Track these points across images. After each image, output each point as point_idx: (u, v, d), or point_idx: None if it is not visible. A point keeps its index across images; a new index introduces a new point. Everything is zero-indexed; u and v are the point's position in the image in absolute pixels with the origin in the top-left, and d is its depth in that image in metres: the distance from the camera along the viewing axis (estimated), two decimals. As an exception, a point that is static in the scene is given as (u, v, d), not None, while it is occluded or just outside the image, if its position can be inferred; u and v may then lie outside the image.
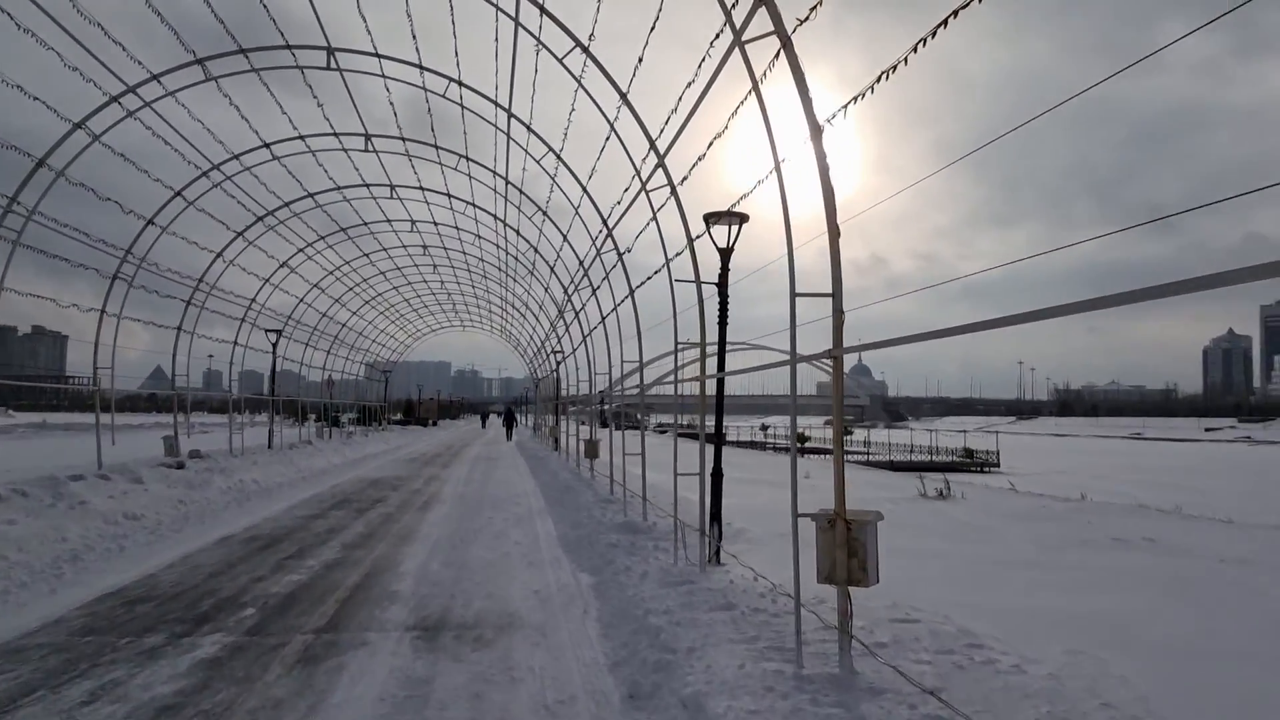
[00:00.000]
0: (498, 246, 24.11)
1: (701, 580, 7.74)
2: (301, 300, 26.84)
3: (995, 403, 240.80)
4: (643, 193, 10.72)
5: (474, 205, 20.49)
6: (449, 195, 20.35)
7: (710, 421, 10.09)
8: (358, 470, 23.91)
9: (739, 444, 75.08)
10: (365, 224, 23.72)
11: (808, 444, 76.65)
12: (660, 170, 9.67)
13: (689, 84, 8.22)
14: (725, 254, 9.12)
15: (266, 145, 16.77)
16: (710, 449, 10.00)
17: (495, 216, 20.54)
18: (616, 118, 10.89)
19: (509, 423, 51.50)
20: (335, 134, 16.67)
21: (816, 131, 5.28)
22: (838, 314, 5.21)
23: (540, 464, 25.53)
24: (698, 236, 9.22)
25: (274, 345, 24.50)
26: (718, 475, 10.00)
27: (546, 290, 24.61)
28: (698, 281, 9.20)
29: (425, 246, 26.35)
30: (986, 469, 55.40)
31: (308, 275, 25.66)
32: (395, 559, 10.22)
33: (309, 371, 32.52)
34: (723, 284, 9.37)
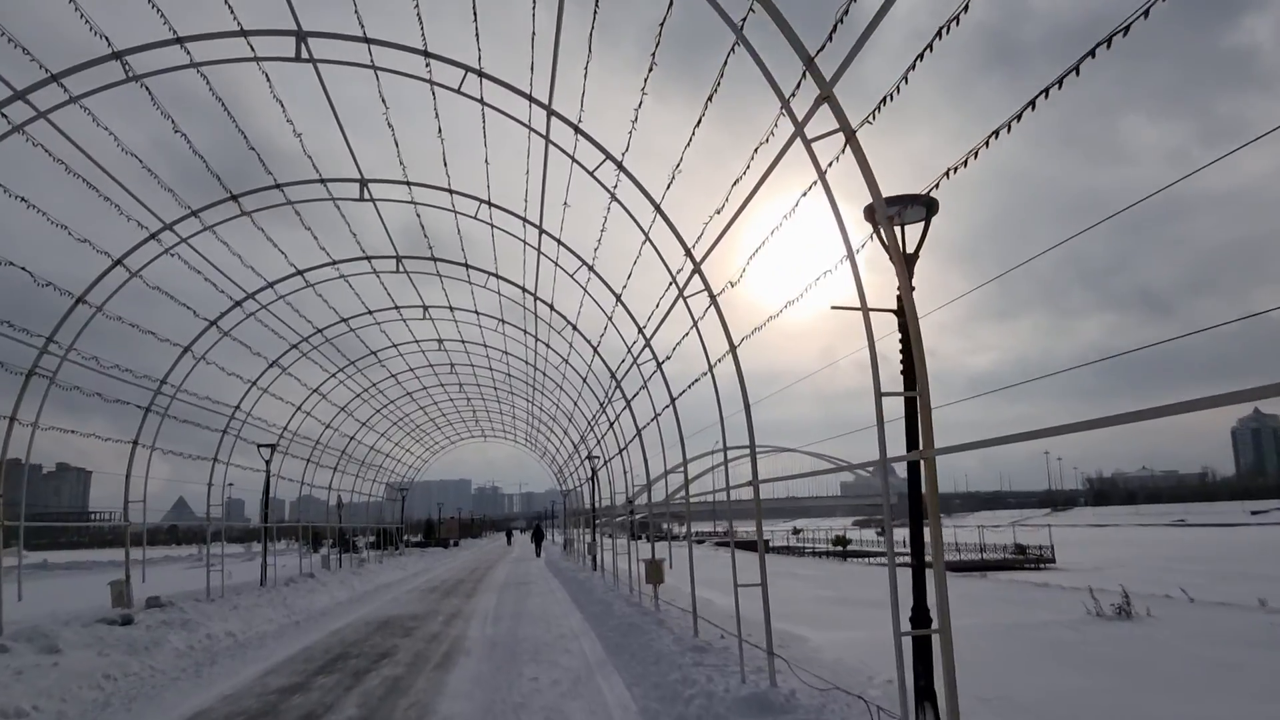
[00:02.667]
0: (526, 361, 23.74)
1: None
2: (328, 425, 26.01)
3: (1026, 495, 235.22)
4: (680, 300, 10.38)
5: (503, 321, 20.38)
6: (477, 313, 20.25)
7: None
8: (366, 607, 20.01)
9: (777, 550, 70.33)
10: (394, 345, 23.09)
11: (848, 547, 71.96)
12: (697, 276, 9.52)
13: (736, 180, 7.93)
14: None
15: (300, 273, 16.71)
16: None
17: (525, 331, 20.29)
18: (651, 226, 10.63)
19: (537, 539, 51.23)
20: (367, 257, 16.80)
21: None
22: (925, 411, 5.27)
23: (581, 589, 21.50)
24: (740, 342, 8.88)
25: (267, 462, 21.10)
26: (922, 618, 6.28)
27: (575, 404, 24.00)
28: (743, 388, 8.70)
29: (453, 365, 26.28)
30: (1042, 565, 51.79)
31: (337, 399, 25.22)
32: (396, 777, 6.43)
33: (332, 496, 29.31)
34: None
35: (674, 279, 10.43)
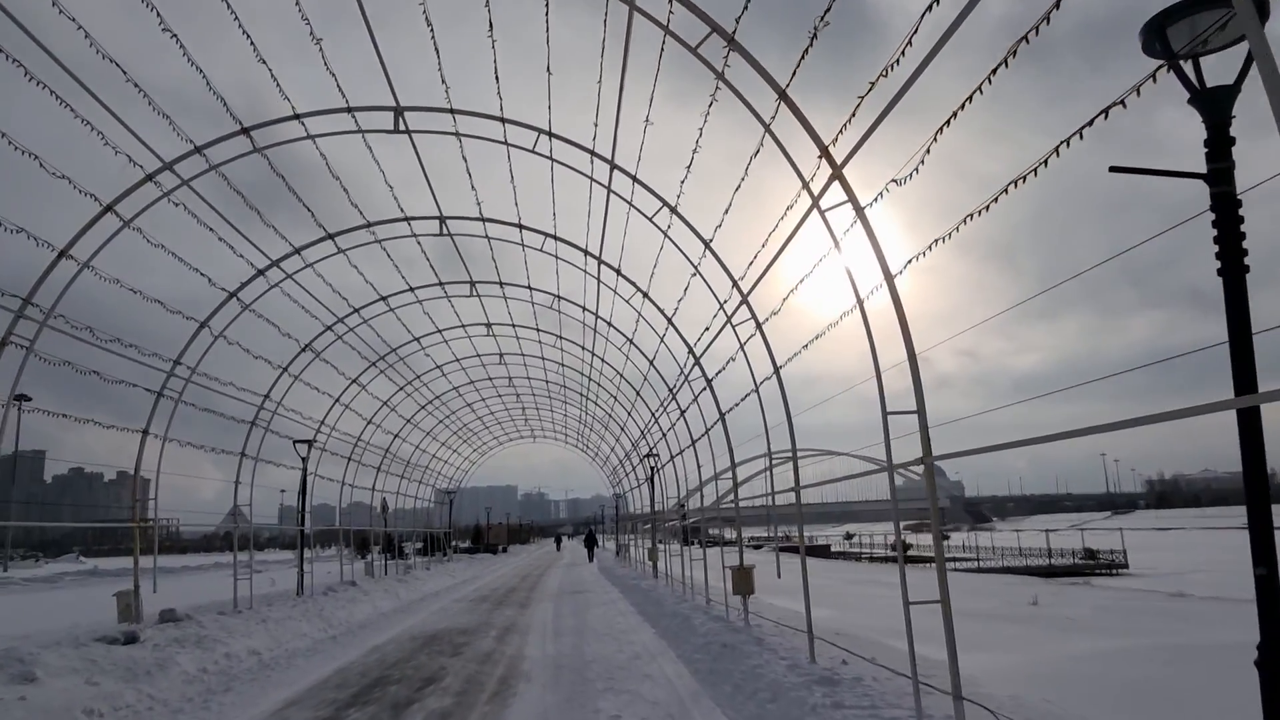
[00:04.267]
0: (582, 374, 25.16)
1: None
2: (396, 435, 26.98)
3: (1084, 498, 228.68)
4: (728, 326, 11.43)
5: (560, 338, 21.86)
6: (538, 329, 21.57)
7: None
8: (412, 619, 18.12)
9: (835, 555, 67.62)
10: (457, 359, 24.72)
11: (909, 552, 68.88)
12: (745, 306, 10.37)
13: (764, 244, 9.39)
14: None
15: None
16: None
17: (583, 347, 21.57)
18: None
19: (590, 544, 50.65)
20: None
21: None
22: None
23: (646, 599, 19.35)
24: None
25: (304, 459, 19.33)
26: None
27: (630, 412, 25.01)
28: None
29: (511, 378, 28.14)
30: (1115, 571, 48.73)
31: (404, 412, 26.96)
32: None
33: (376, 498, 27.71)
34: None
35: (722, 307, 11.32)
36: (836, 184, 6.74)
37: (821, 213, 7.11)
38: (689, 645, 11.71)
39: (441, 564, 38.12)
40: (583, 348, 21.55)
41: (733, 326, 10.43)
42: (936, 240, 5.71)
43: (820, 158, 6.89)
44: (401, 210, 13.86)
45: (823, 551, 66.94)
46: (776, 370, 9.36)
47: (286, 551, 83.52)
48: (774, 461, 15.85)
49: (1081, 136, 4.49)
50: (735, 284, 9.92)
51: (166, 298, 12.61)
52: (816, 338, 8.11)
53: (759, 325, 9.61)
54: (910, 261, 5.98)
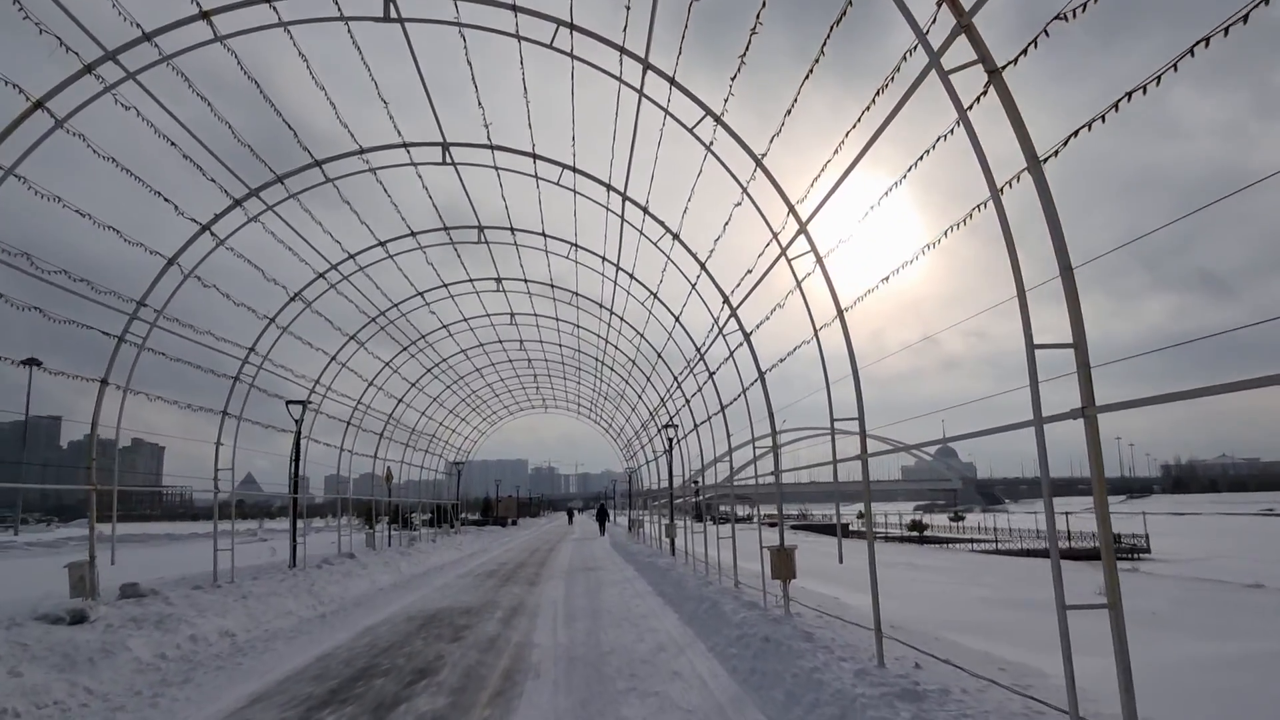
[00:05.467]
0: (598, 335, 23.33)
1: None
2: (400, 400, 25.34)
3: None
4: (782, 259, 9.62)
5: (578, 295, 20.20)
6: (552, 285, 20.04)
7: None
8: (411, 595, 16.72)
9: (852, 534, 66.34)
10: (465, 319, 22.95)
11: (926, 532, 67.72)
12: (734, 319, 11.14)
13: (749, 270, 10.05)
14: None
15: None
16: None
17: (600, 304, 20.12)
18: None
19: (601, 518, 51.56)
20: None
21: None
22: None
23: (664, 579, 17.84)
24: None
25: (298, 421, 17.88)
26: None
27: (649, 377, 23.31)
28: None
29: (522, 341, 26.24)
30: (1136, 555, 47.69)
31: (408, 375, 25.35)
32: None
33: (379, 467, 26.39)
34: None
35: (775, 237, 10.00)
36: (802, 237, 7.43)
37: (789, 260, 8.28)
38: (722, 637, 10.17)
39: (448, 536, 36.84)
40: (600, 305, 20.29)
41: (788, 261, 8.90)
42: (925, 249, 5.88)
43: (789, 215, 7.90)
44: (399, 134, 12.44)
45: (842, 530, 65.40)
46: (841, 313, 7.89)
47: (298, 520, 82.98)
48: (809, 434, 14.36)
49: (1103, 121, 4.20)
50: (792, 209, 8.46)
51: (244, 299, 12.63)
52: (924, 250, 6.26)
53: (819, 259, 8.12)
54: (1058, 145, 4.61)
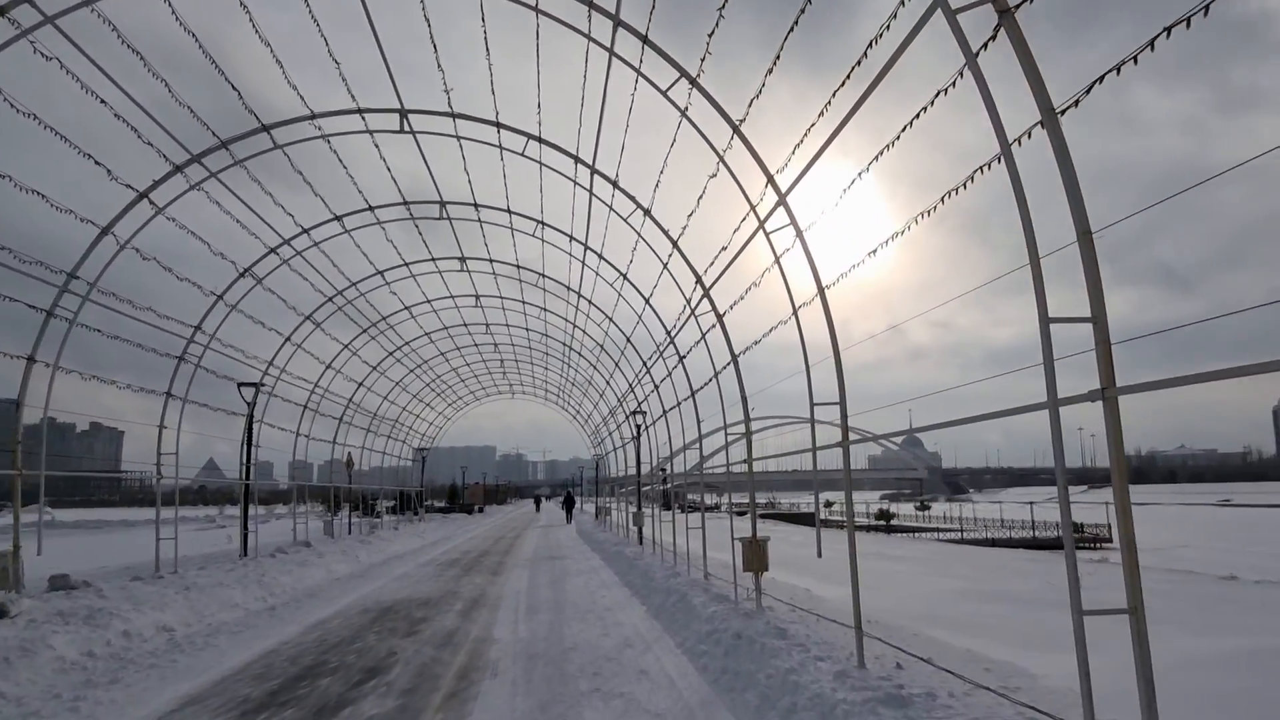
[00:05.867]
0: (566, 319, 22.67)
1: None
2: (361, 384, 24.51)
3: None
4: (760, 233, 9.04)
5: (544, 276, 19.76)
6: (519, 267, 19.41)
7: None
8: (368, 585, 16.09)
9: (822, 523, 66.54)
10: (429, 301, 22.26)
11: (893, 521, 68.19)
12: (706, 299, 10.58)
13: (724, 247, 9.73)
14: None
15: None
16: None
17: (567, 287, 19.64)
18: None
19: (568, 505, 51.36)
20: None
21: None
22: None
23: (631, 568, 17.39)
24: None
25: (250, 405, 17.08)
26: None
27: (618, 362, 22.52)
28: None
29: (488, 325, 25.51)
30: (1099, 545, 48.72)
31: (369, 357, 24.63)
32: None
33: (340, 452, 25.58)
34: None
35: (688, 302, 10.73)
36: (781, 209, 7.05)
37: (767, 234, 7.85)
38: (691, 633, 9.72)
39: (411, 524, 36.08)
40: (568, 288, 19.71)
41: (767, 234, 8.38)
42: (899, 233, 5.60)
43: (767, 186, 7.30)
44: (353, 99, 11.65)
45: (809, 519, 65.75)
46: (822, 290, 7.43)
47: (260, 507, 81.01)
48: (778, 422, 13.85)
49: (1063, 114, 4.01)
50: (771, 179, 8.02)
51: (190, 274, 11.91)
52: (916, 218, 5.91)
53: (800, 232, 7.63)
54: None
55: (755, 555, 10.08)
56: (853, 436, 11.02)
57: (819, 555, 8.00)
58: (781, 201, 7.49)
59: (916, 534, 56.21)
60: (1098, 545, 51.51)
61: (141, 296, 12.11)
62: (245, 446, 17.29)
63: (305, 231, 14.57)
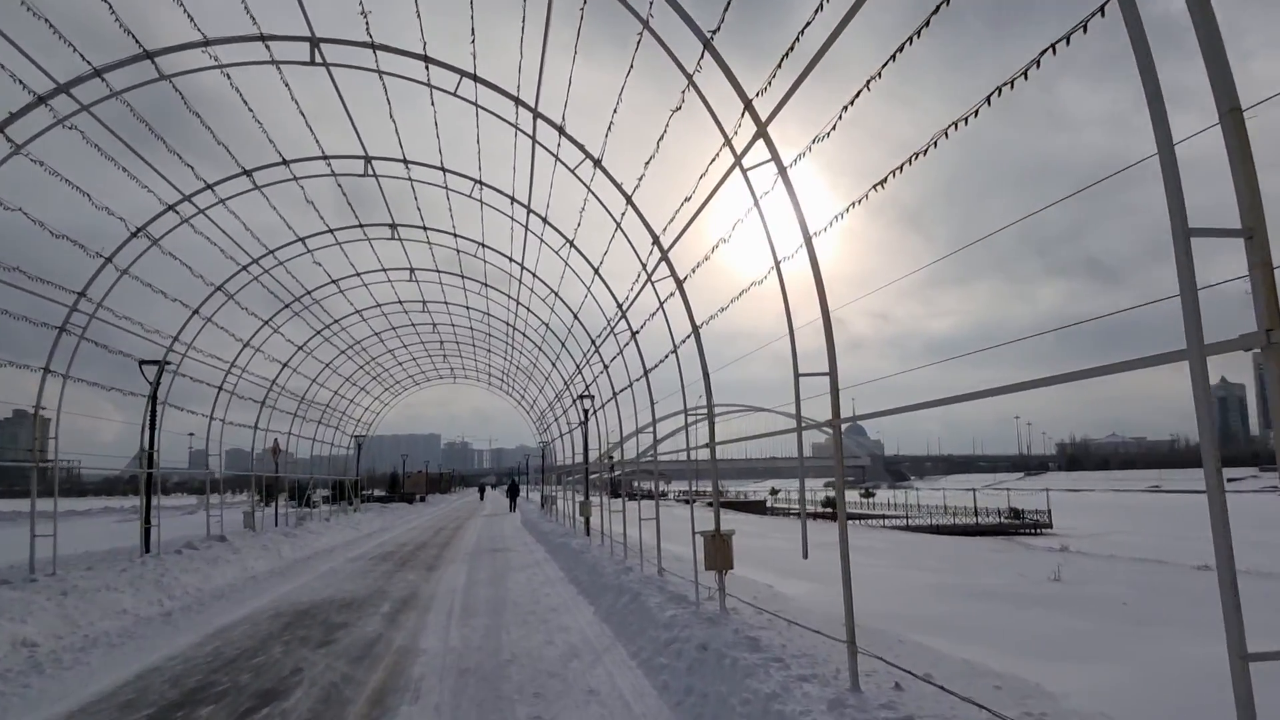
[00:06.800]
0: (507, 323, 23.90)
1: None
2: (285, 364, 23.84)
3: (999, 459, 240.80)
4: (648, 284, 11.06)
5: (486, 285, 20.72)
6: (463, 276, 20.46)
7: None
8: (287, 585, 14.54)
9: (773, 511, 66.30)
10: (378, 305, 23.24)
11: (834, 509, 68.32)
12: (664, 264, 10.09)
13: (688, 198, 8.71)
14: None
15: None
16: None
17: (508, 295, 20.72)
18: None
19: (512, 494, 50.38)
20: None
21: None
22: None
23: (578, 562, 16.14)
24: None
25: (154, 384, 15.25)
26: None
27: (558, 357, 22.97)
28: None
29: (435, 325, 26.52)
30: (1039, 531, 50.21)
31: (322, 356, 25.43)
32: None
33: (265, 439, 23.76)
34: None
35: (644, 266, 10.78)
36: (760, 142, 6.39)
37: (744, 171, 6.93)
38: (647, 639, 8.50)
39: (346, 515, 34.24)
40: (508, 296, 20.62)
41: (652, 285, 9.92)
42: (868, 193, 5.40)
43: (744, 113, 6.53)
44: (321, 149, 13.07)
45: (758, 507, 65.38)
46: (695, 330, 6.85)
47: (193, 497, 77.08)
48: (693, 420, 12.67)
49: (989, 104, 4.35)
50: (656, 240, 9.40)
51: (68, 230, 11.39)
52: (746, 289, 7.69)
53: (679, 284, 9.08)
54: (826, 227, 5.84)
55: (719, 552, 8.90)
56: (804, 422, 10.04)
57: (805, 557, 6.82)
58: (761, 133, 6.22)
59: (863, 521, 56.29)
60: (1038, 531, 52.27)
61: (8, 255, 10.35)
62: (147, 431, 15.44)
63: (210, 187, 12.83)
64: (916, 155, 4.96)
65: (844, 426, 6.11)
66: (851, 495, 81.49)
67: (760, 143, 6.14)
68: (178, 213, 13.11)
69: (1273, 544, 21.46)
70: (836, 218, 5.79)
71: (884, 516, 64.79)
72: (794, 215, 6.07)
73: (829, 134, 5.69)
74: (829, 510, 66.77)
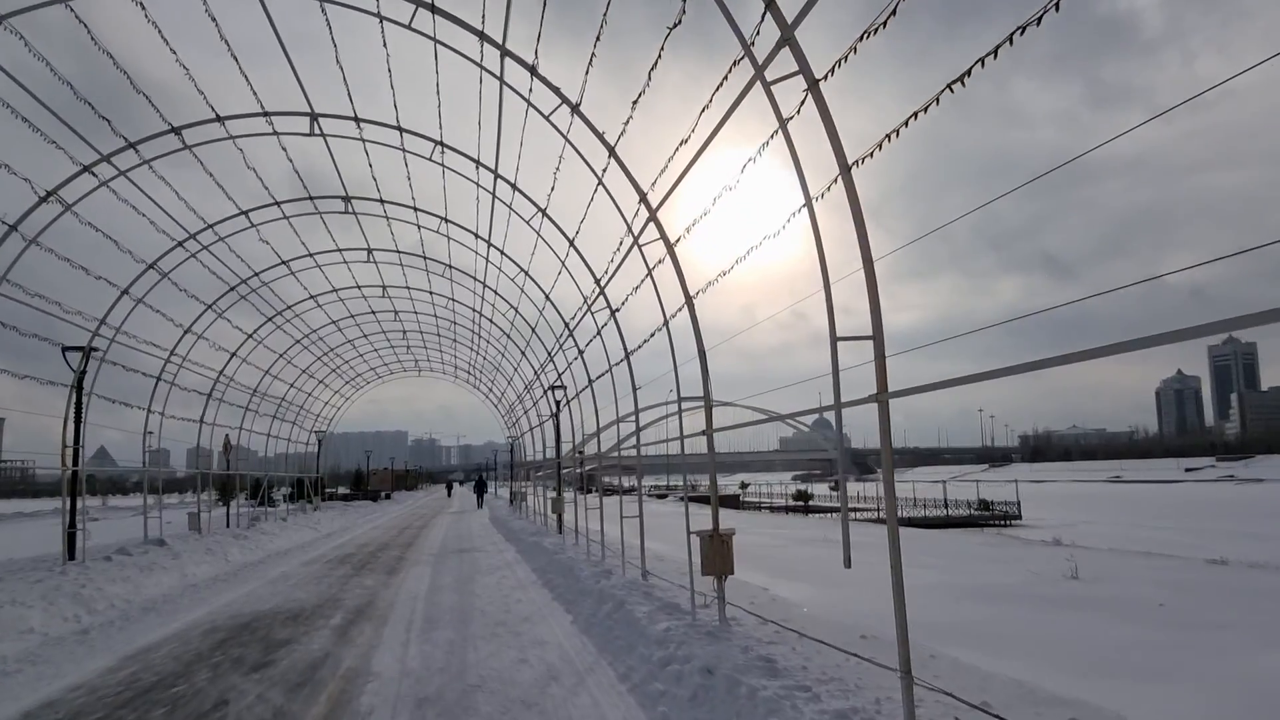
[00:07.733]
0: (474, 309, 22.83)
1: None
2: (267, 372, 23.66)
3: (963, 451, 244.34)
4: (635, 248, 9.93)
5: (450, 267, 19.69)
6: (425, 258, 19.61)
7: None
8: (230, 594, 13.13)
9: (746, 506, 65.68)
10: (335, 290, 21.79)
11: (810, 502, 68.12)
12: (653, 224, 9.08)
13: (683, 142, 7.76)
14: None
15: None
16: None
17: (474, 278, 19.74)
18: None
19: (480, 490, 49.38)
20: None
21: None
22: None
23: (551, 563, 14.91)
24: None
25: (79, 374, 13.70)
26: None
27: (527, 346, 22.20)
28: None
29: (397, 313, 25.17)
30: (1009, 522, 50.52)
31: (274, 345, 23.82)
32: None
33: (215, 434, 22.25)
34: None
35: (629, 226, 10.04)
36: (785, 50, 5.24)
37: (766, 85, 5.67)
38: (637, 659, 7.31)
39: (305, 514, 32.60)
40: (474, 278, 19.69)
41: (640, 249, 8.87)
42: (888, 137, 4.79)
43: (765, 14, 5.40)
44: (260, 103, 11.64)
45: (733, 502, 64.63)
46: (689, 299, 7.61)
47: (150, 496, 74.05)
48: (681, 409, 11.67)
49: (937, 103, 4.36)
50: (643, 197, 8.46)
51: None
52: (751, 250, 6.83)
53: (669, 246, 8.22)
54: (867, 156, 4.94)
55: (719, 554, 7.74)
56: (761, 416, 9.11)
57: (847, 566, 5.70)
58: (652, 218, 7.53)
59: (835, 514, 55.69)
60: (1007, 522, 52.16)
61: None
62: (72, 424, 13.88)
63: (210, 227, 14.56)
64: (859, 161, 4.82)
65: (810, 419, 5.73)
66: (820, 489, 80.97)
67: (785, 51, 4.97)
68: (95, 174, 11.67)
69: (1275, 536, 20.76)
70: (877, 145, 4.75)
71: (854, 509, 64.29)
72: (826, 143, 4.92)
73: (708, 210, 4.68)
74: (799, 504, 66.28)
